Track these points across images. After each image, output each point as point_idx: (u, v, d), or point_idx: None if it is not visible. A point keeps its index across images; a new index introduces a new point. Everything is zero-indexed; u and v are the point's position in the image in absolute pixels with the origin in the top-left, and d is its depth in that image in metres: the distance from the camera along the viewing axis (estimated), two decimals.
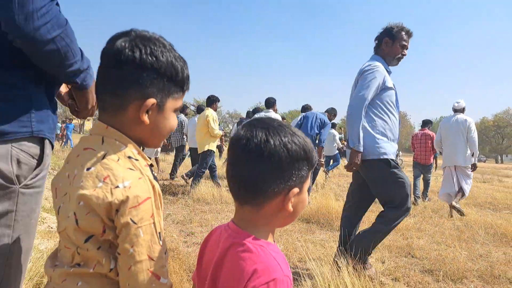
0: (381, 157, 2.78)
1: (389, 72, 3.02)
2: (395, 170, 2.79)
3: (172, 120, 0.95)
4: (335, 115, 7.57)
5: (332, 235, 4.31)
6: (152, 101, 0.86)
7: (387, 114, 2.91)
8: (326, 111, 7.40)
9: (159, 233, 0.84)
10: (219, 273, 0.81)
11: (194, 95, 55.33)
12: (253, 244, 0.79)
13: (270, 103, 6.67)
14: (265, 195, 0.80)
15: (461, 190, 5.85)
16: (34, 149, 1.04)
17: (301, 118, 6.57)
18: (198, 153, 6.85)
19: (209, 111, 6.73)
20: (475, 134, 5.86)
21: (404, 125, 71.35)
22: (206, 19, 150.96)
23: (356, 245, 2.77)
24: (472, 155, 5.89)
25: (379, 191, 2.91)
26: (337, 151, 11.21)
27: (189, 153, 9.61)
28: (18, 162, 1.00)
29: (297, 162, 0.80)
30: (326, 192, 6.82)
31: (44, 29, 0.91)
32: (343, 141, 16.33)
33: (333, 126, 11.30)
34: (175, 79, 0.90)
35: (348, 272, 2.40)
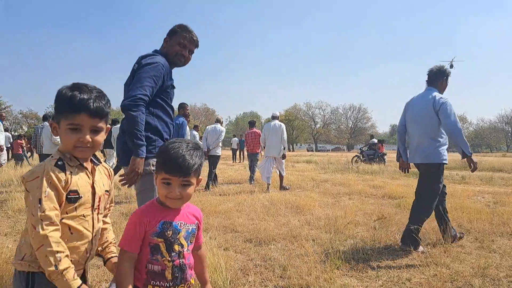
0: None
1: None
2: None
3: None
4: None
5: None
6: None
7: None
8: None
9: (39, 199, 1.28)
10: None
11: None
12: None
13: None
14: None
15: (281, 176, 8.82)
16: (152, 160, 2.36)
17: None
18: None
19: None
20: (285, 135, 8.70)
21: None
22: None
23: None
24: (284, 149, 8.70)
25: None
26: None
27: None
28: (152, 165, 2.33)
29: None
30: None
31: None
32: None
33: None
34: None
35: None
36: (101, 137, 1.47)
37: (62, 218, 1.36)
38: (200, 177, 1.54)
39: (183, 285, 1.50)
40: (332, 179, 11.00)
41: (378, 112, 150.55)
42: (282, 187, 8.70)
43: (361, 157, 19.62)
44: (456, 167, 17.00)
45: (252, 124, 10.78)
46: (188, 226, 1.53)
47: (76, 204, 1.40)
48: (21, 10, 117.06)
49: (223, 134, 9.39)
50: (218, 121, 9.75)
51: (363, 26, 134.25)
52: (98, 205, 1.52)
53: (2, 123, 11.02)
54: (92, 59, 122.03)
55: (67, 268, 1.28)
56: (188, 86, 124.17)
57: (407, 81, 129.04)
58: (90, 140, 1.41)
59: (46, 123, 9.80)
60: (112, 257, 1.63)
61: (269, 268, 3.21)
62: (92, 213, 1.48)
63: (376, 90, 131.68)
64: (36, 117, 70.82)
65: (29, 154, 18.64)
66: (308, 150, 75.42)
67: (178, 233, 1.49)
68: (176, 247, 1.48)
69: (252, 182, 9.67)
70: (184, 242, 1.50)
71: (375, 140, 20.73)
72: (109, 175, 1.64)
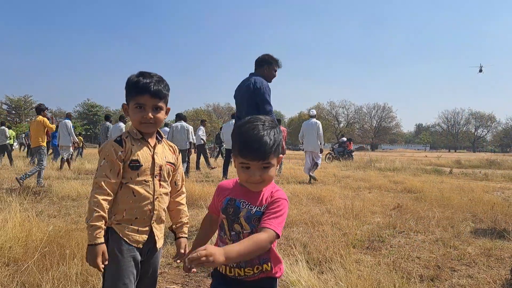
0: None
1: None
2: None
3: None
4: None
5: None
6: None
7: None
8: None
9: (99, 166, 1.64)
10: None
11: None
12: None
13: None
14: None
15: (315, 165, 9.74)
16: None
17: None
18: None
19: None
20: (321, 131, 9.69)
21: None
22: None
23: None
24: (320, 144, 9.67)
25: None
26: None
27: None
28: None
29: None
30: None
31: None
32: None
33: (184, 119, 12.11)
34: None
35: None
36: (162, 115, 1.71)
37: (127, 183, 1.65)
38: (280, 155, 1.42)
39: (250, 268, 1.41)
40: (353, 175, 11.25)
41: (403, 111, 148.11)
42: (311, 177, 9.50)
43: (333, 154, 21.96)
44: (480, 165, 16.89)
45: (232, 116, 11.20)
46: (251, 207, 1.40)
47: (138, 171, 1.66)
48: (50, 11, 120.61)
49: None
50: (233, 116, 10.20)
51: (388, 25, 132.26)
52: (159, 173, 1.73)
53: (70, 121, 12.01)
54: (115, 58, 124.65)
55: (94, 225, 1.53)
56: (213, 86, 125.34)
57: (432, 80, 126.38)
58: (152, 117, 1.66)
59: (108, 123, 11.19)
60: (182, 237, 1.83)
61: (291, 246, 3.58)
62: (153, 179, 1.70)
63: (401, 89, 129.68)
64: (65, 115, 73.39)
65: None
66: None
67: (240, 212, 1.40)
68: (236, 227, 1.41)
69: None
70: (244, 223, 1.39)
71: (345, 139, 23.06)
72: (174, 151, 1.86)
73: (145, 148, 1.72)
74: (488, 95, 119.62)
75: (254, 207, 1.40)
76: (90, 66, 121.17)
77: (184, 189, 1.92)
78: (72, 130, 11.41)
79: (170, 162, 1.80)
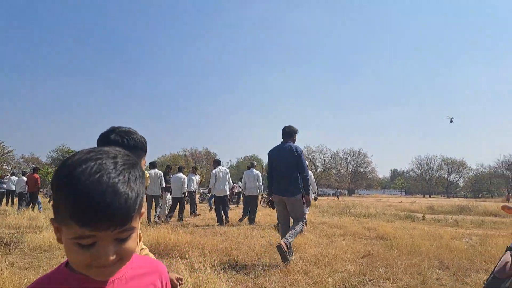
0: None
1: None
2: None
3: None
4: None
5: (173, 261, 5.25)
6: None
7: None
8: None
9: None
10: None
11: None
12: None
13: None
14: None
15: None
16: None
17: None
18: None
19: None
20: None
21: None
22: None
23: None
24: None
25: None
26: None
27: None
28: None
29: None
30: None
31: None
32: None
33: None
34: None
35: None
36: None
37: None
38: (143, 209, 0.80)
39: None
40: (329, 221, 11.40)
41: (378, 157, 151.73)
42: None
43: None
44: (452, 211, 17.37)
45: (251, 165, 12.01)
46: None
47: None
48: (22, 57, 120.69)
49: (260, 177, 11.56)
50: (252, 165, 11.75)
51: (362, 73, 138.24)
52: None
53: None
54: (93, 102, 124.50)
55: None
56: (189, 131, 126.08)
57: (405, 127, 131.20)
58: None
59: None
60: None
61: None
62: None
63: (376, 135, 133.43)
64: (38, 162, 71.75)
65: None
66: None
67: None
68: None
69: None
70: None
71: None
72: None
73: None
74: (458, 142, 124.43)
75: None
76: (65, 111, 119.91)
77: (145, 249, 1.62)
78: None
79: None
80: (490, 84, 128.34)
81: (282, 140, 5.54)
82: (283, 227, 5.45)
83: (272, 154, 5.47)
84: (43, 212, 11.69)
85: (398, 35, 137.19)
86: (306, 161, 6.28)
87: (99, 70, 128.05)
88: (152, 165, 11.91)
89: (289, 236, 5.00)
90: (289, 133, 5.50)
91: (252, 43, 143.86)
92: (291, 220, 5.43)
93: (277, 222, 5.55)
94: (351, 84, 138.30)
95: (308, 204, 5.46)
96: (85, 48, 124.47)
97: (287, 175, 5.25)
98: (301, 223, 5.28)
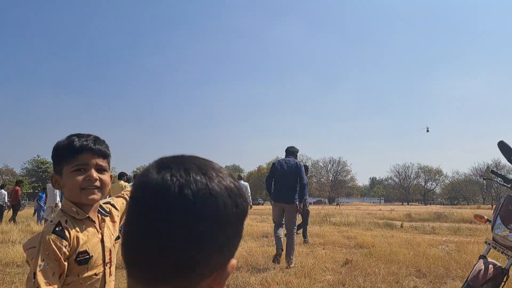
0: None
1: None
2: None
3: None
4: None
5: None
6: None
7: None
8: None
9: (34, 272, 1.15)
10: None
11: None
12: None
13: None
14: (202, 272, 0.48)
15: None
16: None
17: None
18: None
19: None
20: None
21: None
22: None
23: None
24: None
25: None
26: None
27: None
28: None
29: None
30: None
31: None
32: None
33: None
34: None
35: None
36: (107, 177, 1.36)
37: (71, 283, 1.27)
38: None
39: None
40: (309, 230, 11.41)
41: (358, 165, 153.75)
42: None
43: None
44: (429, 218, 17.71)
45: (239, 177, 12.88)
46: None
47: (88, 265, 1.30)
48: None
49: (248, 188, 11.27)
50: (240, 177, 12.29)
51: (341, 82, 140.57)
52: (110, 258, 1.40)
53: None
54: (68, 115, 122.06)
55: None
56: (170, 140, 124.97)
57: (383, 135, 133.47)
58: (98, 178, 1.31)
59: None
60: None
61: None
62: (104, 269, 1.36)
63: (354, 144, 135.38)
64: (12, 173, 69.74)
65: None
66: None
67: None
68: None
69: None
70: None
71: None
72: (113, 221, 1.49)
73: (91, 231, 1.34)
74: (434, 150, 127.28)
75: None
76: (41, 122, 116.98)
77: None
78: None
79: (117, 238, 1.46)
80: (463, 93, 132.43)
81: (285, 156, 6.63)
82: (276, 225, 6.30)
83: (278, 164, 6.42)
84: (16, 226, 11.32)
85: (377, 47, 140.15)
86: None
87: (73, 81, 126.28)
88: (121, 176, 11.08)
89: (290, 259, 5.76)
90: (291, 151, 6.64)
91: (231, 53, 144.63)
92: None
93: (275, 254, 5.90)
94: (331, 94, 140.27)
95: (300, 211, 6.25)
96: (59, 59, 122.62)
97: (289, 184, 6.13)
98: (293, 236, 5.97)
